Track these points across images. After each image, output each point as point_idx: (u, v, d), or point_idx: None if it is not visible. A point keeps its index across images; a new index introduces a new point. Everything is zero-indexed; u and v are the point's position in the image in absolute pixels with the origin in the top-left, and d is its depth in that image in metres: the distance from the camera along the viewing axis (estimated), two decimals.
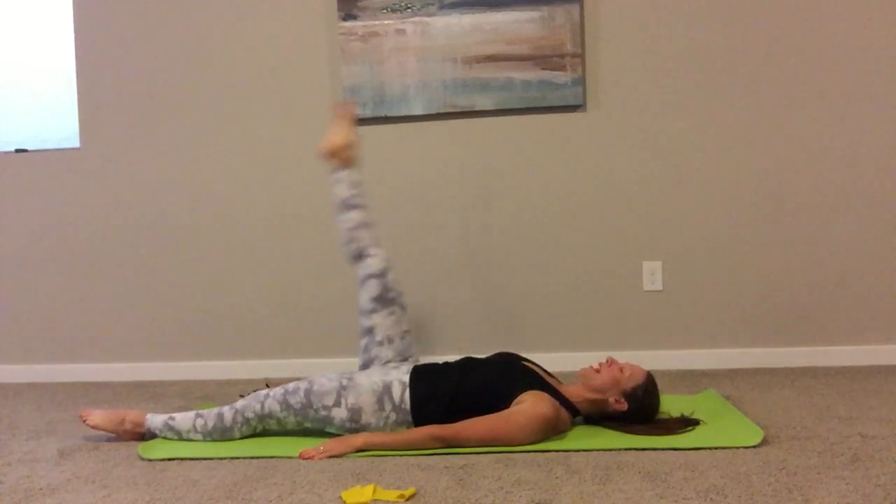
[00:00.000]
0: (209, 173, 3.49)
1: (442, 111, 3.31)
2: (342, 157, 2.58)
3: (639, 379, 2.25)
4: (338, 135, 2.60)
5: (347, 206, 2.53)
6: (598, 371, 2.27)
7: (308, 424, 2.28)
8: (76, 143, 3.56)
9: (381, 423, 2.23)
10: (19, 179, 3.59)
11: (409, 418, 2.24)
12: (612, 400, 2.24)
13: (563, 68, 3.24)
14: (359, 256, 2.50)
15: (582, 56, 3.23)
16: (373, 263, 2.47)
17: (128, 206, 3.53)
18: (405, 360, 2.44)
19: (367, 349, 2.43)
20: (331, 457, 2.11)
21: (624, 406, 2.23)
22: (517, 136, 3.33)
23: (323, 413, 2.24)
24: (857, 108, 3.18)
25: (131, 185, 3.53)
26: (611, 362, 2.28)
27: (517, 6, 3.24)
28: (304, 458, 2.11)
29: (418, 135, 3.37)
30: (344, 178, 2.56)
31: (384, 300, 2.44)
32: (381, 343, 2.41)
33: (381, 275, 2.46)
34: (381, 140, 3.39)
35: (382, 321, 2.43)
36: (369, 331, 2.44)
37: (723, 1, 3.21)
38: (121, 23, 3.50)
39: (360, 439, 2.16)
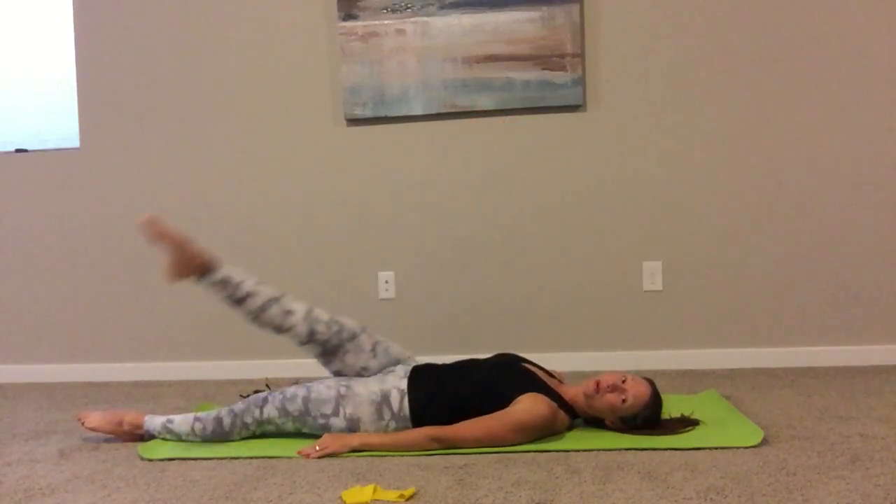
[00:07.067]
0: (209, 173, 3.49)
1: (442, 111, 3.31)
2: (192, 269, 2.27)
3: (638, 408, 2.18)
4: (170, 256, 2.26)
5: (236, 301, 2.29)
6: (597, 392, 2.19)
7: (307, 430, 2.28)
8: (76, 143, 3.56)
9: (381, 432, 2.23)
10: (19, 179, 3.59)
11: (410, 426, 2.23)
12: (607, 422, 2.24)
13: (562, 68, 3.24)
14: (279, 332, 2.33)
15: (582, 56, 3.23)
16: (297, 333, 2.31)
17: (128, 206, 3.53)
18: (398, 362, 2.38)
19: (354, 374, 2.36)
20: (327, 455, 2.11)
21: (621, 427, 2.22)
22: (517, 136, 3.33)
23: (321, 421, 2.24)
24: (857, 109, 3.18)
25: (131, 185, 3.53)
26: (613, 388, 2.17)
27: (517, 6, 3.24)
28: (301, 455, 2.12)
29: (418, 135, 3.37)
30: (214, 281, 2.28)
31: (330, 351, 2.34)
32: (360, 372, 2.34)
33: (309, 337, 2.31)
34: (381, 140, 3.39)
35: (343, 364, 2.35)
36: (339, 373, 2.37)
37: (722, 1, 3.21)
38: (121, 23, 3.50)
39: (356, 439, 2.15)
